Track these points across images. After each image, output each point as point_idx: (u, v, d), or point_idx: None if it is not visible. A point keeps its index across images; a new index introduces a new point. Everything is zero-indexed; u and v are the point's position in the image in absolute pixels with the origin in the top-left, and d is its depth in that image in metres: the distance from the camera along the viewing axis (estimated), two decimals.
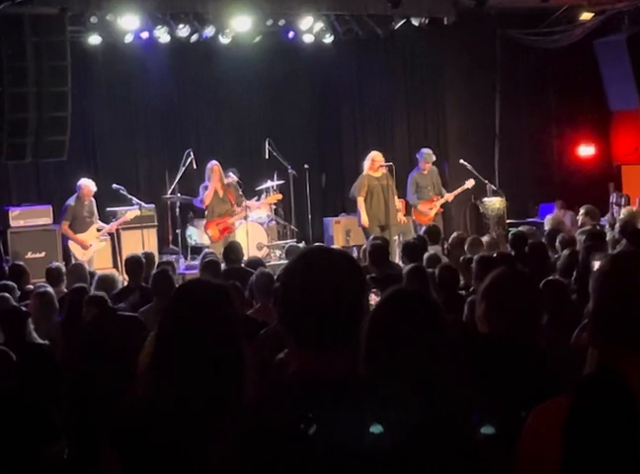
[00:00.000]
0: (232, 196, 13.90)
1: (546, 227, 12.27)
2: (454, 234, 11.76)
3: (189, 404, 2.84)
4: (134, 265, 9.53)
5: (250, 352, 3.01)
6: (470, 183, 15.06)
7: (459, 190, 15.09)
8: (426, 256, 9.60)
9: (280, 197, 14.82)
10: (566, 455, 2.35)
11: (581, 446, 2.34)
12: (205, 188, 13.76)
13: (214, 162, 13.85)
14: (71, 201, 13.36)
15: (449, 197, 14.95)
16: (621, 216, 12.88)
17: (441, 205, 14.96)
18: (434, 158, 14.92)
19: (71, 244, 13.31)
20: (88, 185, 13.44)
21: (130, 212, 13.85)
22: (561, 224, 12.76)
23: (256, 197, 14.84)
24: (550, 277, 7.13)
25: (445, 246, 11.63)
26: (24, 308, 7.39)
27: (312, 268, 2.37)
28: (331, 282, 2.33)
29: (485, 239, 11.57)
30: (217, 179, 13.70)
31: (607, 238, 10.04)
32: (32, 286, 9.67)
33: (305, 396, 2.29)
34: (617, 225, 11.25)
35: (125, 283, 9.88)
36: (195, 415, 2.82)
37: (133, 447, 2.86)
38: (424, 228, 12.91)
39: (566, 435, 2.36)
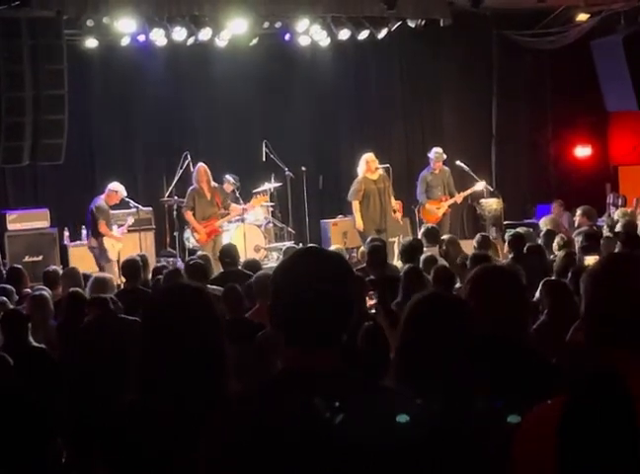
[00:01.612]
0: (219, 198, 13.86)
1: (542, 228, 12.27)
2: (446, 236, 11.71)
3: (171, 404, 2.87)
4: (132, 267, 9.52)
5: (231, 352, 3.06)
6: (480, 185, 15.07)
7: (469, 191, 15.09)
8: (422, 257, 9.59)
9: (265, 199, 14.79)
10: (561, 459, 2.35)
11: (576, 450, 2.33)
12: (193, 191, 13.70)
13: (201, 164, 13.81)
14: (102, 203, 13.29)
15: (458, 198, 14.91)
16: (616, 217, 12.90)
17: (450, 205, 14.94)
18: (444, 157, 14.90)
19: (106, 241, 13.27)
20: (121, 190, 13.42)
21: (131, 217, 13.92)
22: (558, 225, 12.75)
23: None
24: (551, 278, 7.15)
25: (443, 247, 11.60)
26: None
27: (302, 267, 2.41)
28: (320, 282, 2.36)
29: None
30: (205, 181, 13.66)
31: (603, 239, 10.02)
32: (29, 290, 9.66)
33: (290, 390, 2.31)
34: (619, 225, 11.25)
35: (122, 286, 9.88)
36: (179, 415, 2.85)
37: (122, 451, 2.88)
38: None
39: (560, 438, 2.35)
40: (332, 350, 2.38)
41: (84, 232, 14.18)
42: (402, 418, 2.28)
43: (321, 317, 2.35)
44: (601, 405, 2.34)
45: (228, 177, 14.76)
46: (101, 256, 13.17)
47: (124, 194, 13.49)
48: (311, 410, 2.27)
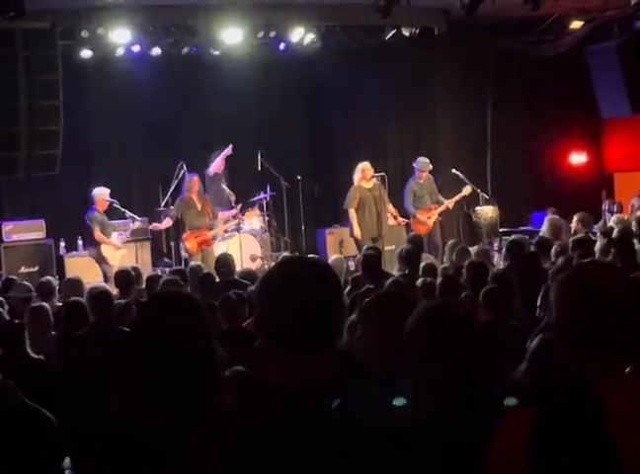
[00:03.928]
0: (209, 209, 13.92)
1: (544, 229, 12.24)
2: (451, 242, 11.71)
3: (167, 407, 2.89)
4: (124, 278, 9.52)
5: (227, 360, 3.11)
6: (467, 190, 15.06)
7: (458, 196, 15.07)
8: (422, 265, 9.58)
9: (256, 213, 14.83)
10: (534, 465, 2.35)
11: (547, 456, 2.34)
12: (181, 200, 13.77)
13: (194, 174, 13.91)
14: (94, 213, 13.39)
15: (449, 203, 14.91)
16: (611, 224, 12.87)
17: (440, 213, 14.95)
18: (430, 167, 14.91)
19: (104, 249, 13.34)
20: (101, 192, 13.50)
21: (135, 223, 14.02)
22: (559, 228, 12.63)
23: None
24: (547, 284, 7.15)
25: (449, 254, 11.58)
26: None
27: (289, 277, 2.40)
28: (307, 291, 2.36)
29: (474, 248, 11.57)
30: (195, 191, 13.74)
31: (597, 246, 10.00)
32: None
33: (291, 400, 2.31)
34: (615, 231, 11.22)
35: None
36: (175, 418, 2.87)
37: (119, 454, 2.90)
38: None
39: (532, 445, 2.36)
40: (325, 356, 2.38)
41: (80, 243, 14.28)
42: (400, 400, 2.31)
43: (311, 323, 2.35)
44: (572, 413, 2.35)
45: (225, 187, 14.77)
46: (101, 263, 13.27)
47: (107, 191, 13.55)
48: (303, 421, 2.27)
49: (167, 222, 13.93)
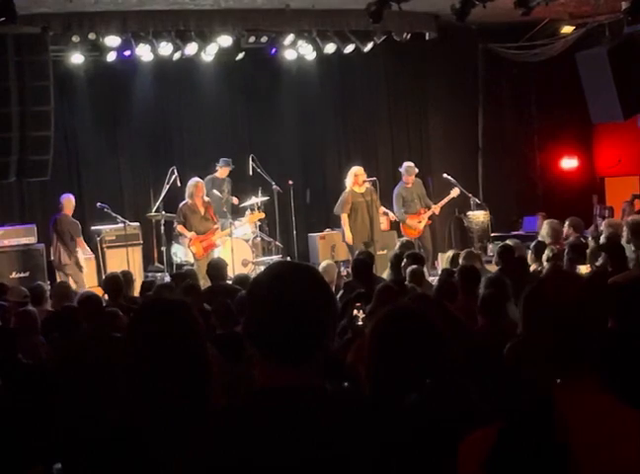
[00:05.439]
0: (212, 213, 13.92)
1: (542, 233, 12.22)
2: (466, 251, 11.67)
3: (158, 415, 2.89)
4: (113, 283, 9.49)
5: (217, 363, 3.10)
6: (455, 192, 15.07)
7: (445, 200, 15.09)
8: (408, 270, 9.59)
9: (262, 215, 14.83)
10: None
11: None
12: (185, 205, 13.74)
13: (198, 179, 13.88)
14: (71, 218, 13.39)
15: (436, 209, 14.94)
16: (602, 228, 12.88)
17: (430, 217, 14.96)
18: (416, 170, 14.93)
19: (80, 256, 13.33)
20: (71, 198, 13.48)
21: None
22: (558, 233, 12.55)
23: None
24: None
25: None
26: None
27: (278, 281, 2.39)
28: (297, 296, 2.35)
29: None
30: (200, 196, 13.73)
31: (588, 250, 10.02)
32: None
33: (274, 406, 2.31)
34: (602, 237, 11.23)
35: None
36: (168, 425, 2.86)
37: (112, 463, 2.89)
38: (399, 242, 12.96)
39: (491, 469, 2.35)
40: (313, 363, 2.38)
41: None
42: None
43: (299, 330, 2.34)
44: (532, 429, 2.33)
45: (214, 191, 14.77)
46: (78, 271, 13.19)
47: (72, 197, 13.60)
48: (296, 423, 2.27)
49: (183, 229, 13.82)
